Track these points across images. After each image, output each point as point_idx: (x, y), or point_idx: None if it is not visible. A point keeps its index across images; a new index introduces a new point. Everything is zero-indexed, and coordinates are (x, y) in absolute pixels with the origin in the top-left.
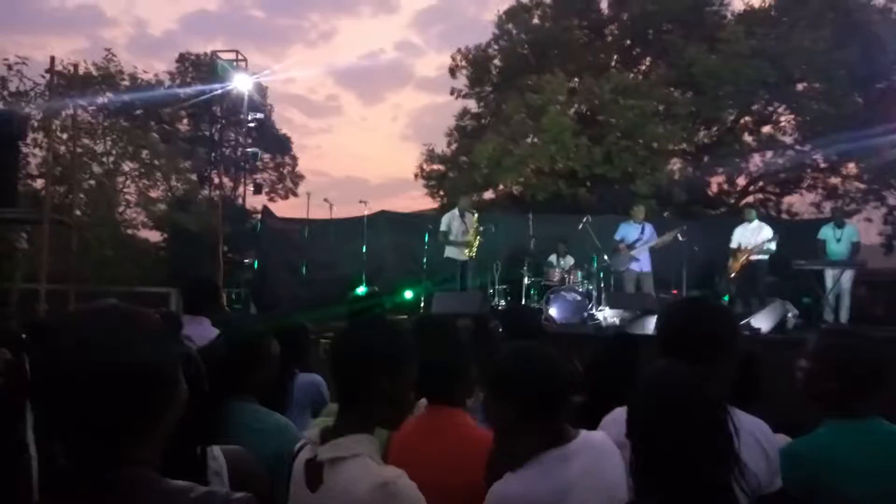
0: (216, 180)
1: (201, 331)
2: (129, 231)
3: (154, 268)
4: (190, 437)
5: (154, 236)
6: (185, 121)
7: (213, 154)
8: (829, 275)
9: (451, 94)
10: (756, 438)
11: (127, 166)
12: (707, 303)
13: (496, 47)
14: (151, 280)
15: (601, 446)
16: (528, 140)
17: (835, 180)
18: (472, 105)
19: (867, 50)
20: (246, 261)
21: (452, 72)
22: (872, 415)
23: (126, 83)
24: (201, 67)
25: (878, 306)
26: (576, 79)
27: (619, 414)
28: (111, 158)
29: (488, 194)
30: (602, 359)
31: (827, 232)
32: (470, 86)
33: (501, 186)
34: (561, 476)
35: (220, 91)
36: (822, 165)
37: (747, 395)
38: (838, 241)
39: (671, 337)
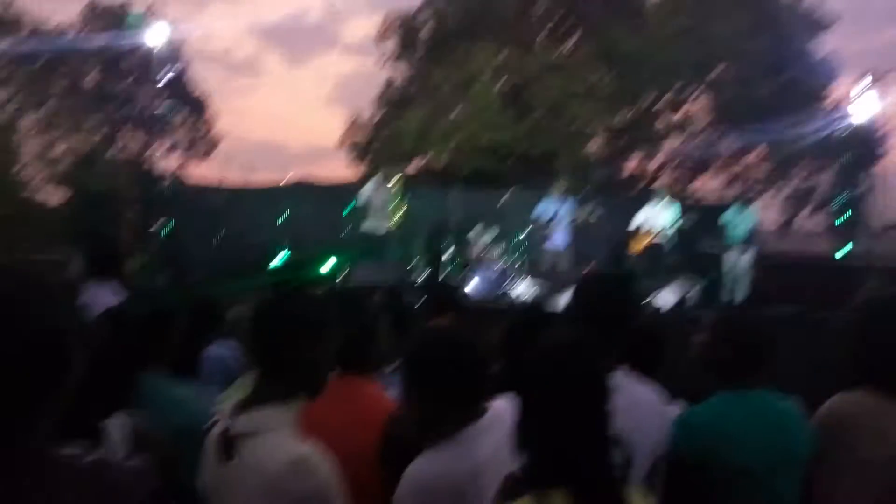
0: (125, 139)
1: (105, 295)
2: (28, 193)
3: (54, 231)
4: (92, 405)
5: (55, 198)
6: (92, 75)
7: (122, 111)
8: (728, 256)
9: (379, 60)
10: (647, 405)
11: (27, 120)
12: (613, 278)
13: (425, 15)
14: (51, 244)
15: (509, 417)
16: (455, 112)
17: (740, 166)
18: (399, 74)
19: (776, 40)
20: (155, 227)
21: (380, 37)
22: (760, 386)
23: (28, 30)
24: (111, 19)
25: (773, 287)
26: (503, 53)
27: None
28: (9, 110)
29: (413, 166)
30: (516, 328)
31: (729, 215)
32: (398, 54)
33: (427, 159)
34: (476, 453)
35: (130, 44)
36: (730, 151)
37: (649, 364)
38: (738, 224)
39: (581, 309)
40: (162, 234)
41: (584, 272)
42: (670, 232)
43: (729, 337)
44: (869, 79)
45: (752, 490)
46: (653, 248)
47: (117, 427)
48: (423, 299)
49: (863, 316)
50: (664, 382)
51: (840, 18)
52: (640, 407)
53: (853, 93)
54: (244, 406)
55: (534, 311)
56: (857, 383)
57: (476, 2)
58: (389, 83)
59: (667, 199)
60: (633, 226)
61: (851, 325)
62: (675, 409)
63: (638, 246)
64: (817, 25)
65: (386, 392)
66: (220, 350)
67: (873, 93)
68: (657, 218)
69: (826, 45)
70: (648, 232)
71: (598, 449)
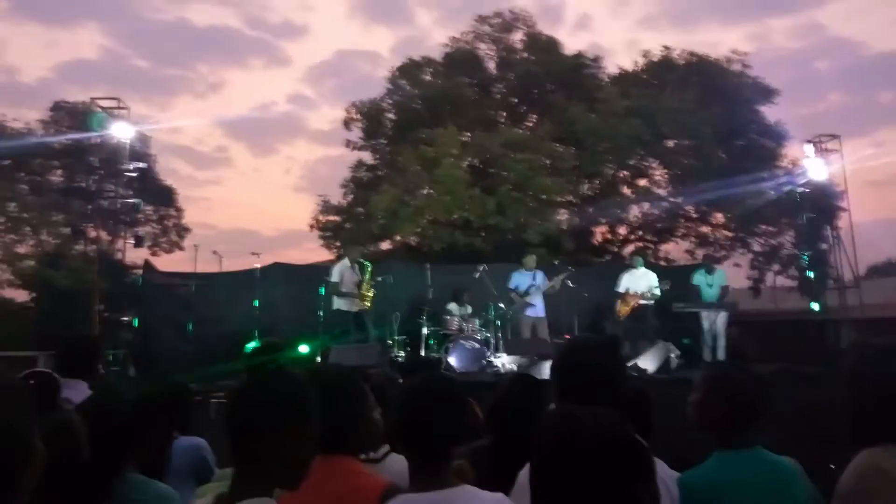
0: (92, 234)
1: (76, 396)
2: None
3: (20, 329)
4: None
5: (21, 295)
6: (58, 172)
7: (89, 206)
8: (705, 316)
9: (346, 146)
10: (659, 477)
11: None
12: (599, 343)
13: (390, 101)
14: (17, 344)
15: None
16: (424, 191)
17: (705, 229)
18: (366, 157)
19: (727, 110)
20: (125, 319)
21: (347, 124)
22: (756, 445)
23: None
24: (77, 116)
25: (749, 345)
26: (467, 133)
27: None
28: None
29: (385, 245)
30: (504, 400)
31: (699, 277)
32: (364, 138)
33: (398, 237)
34: None
35: (97, 140)
36: (694, 215)
37: (641, 432)
38: (710, 285)
39: (568, 377)
40: (133, 325)
41: (565, 338)
42: (658, 294)
43: (722, 392)
44: (821, 139)
45: None
46: (637, 312)
47: None
48: (404, 377)
49: (865, 370)
50: (654, 449)
51: (782, 90)
52: None
53: (805, 153)
54: (224, 500)
55: (522, 380)
56: (870, 438)
57: (436, 88)
58: (358, 166)
59: (642, 264)
60: (620, 289)
61: (855, 380)
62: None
63: (622, 310)
64: (764, 93)
65: (372, 472)
66: (192, 441)
67: (826, 152)
68: (638, 283)
69: (775, 111)
70: (632, 296)
71: None
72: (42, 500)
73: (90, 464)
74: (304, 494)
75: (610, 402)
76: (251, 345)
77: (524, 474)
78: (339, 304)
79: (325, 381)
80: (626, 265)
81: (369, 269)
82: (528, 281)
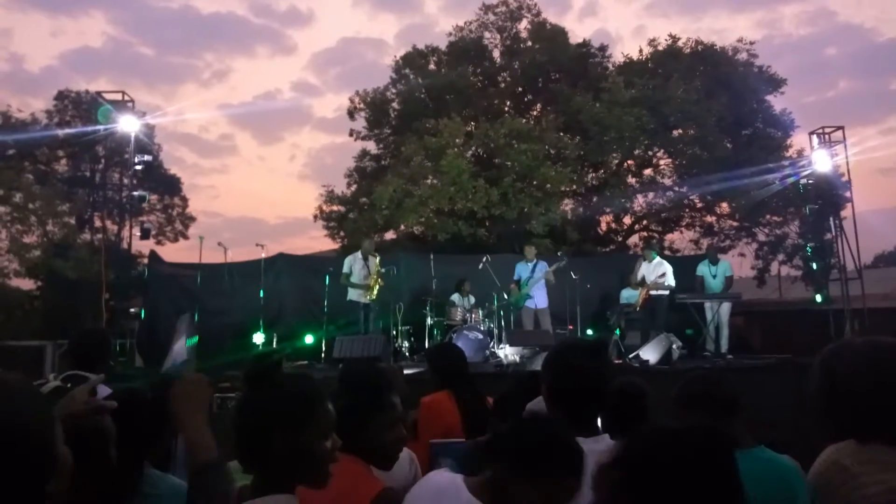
0: (98, 224)
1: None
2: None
3: (27, 319)
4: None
5: (27, 284)
6: (63, 161)
7: (94, 196)
8: (709, 307)
9: (350, 135)
10: None
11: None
12: (582, 345)
13: (394, 91)
14: (22, 333)
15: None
16: (428, 181)
17: (710, 218)
18: (371, 146)
19: (734, 99)
20: (132, 310)
21: (351, 114)
22: (756, 444)
23: None
24: (81, 106)
25: (753, 335)
26: (472, 123)
27: None
28: None
29: (389, 235)
30: (509, 396)
31: (703, 269)
32: (369, 128)
33: (402, 227)
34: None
35: (102, 131)
36: (699, 205)
37: (631, 424)
38: (714, 276)
39: (553, 379)
40: (140, 316)
41: (569, 329)
42: (668, 285)
43: (698, 399)
44: (825, 131)
45: None
46: (648, 303)
47: None
48: (431, 365)
49: (834, 368)
50: None
51: (790, 77)
52: None
53: (812, 144)
54: (246, 493)
55: (527, 378)
56: (840, 433)
57: (441, 78)
58: (362, 155)
59: (656, 255)
60: (618, 281)
61: (823, 377)
62: None
63: (640, 300)
64: (771, 83)
65: (373, 472)
66: None
67: (831, 143)
68: (650, 273)
69: (782, 100)
70: (645, 286)
71: None
72: (71, 499)
73: (118, 461)
74: (308, 491)
75: (596, 401)
76: (256, 340)
77: None
78: (352, 294)
79: (349, 381)
80: (639, 256)
81: (378, 262)
82: (528, 272)
